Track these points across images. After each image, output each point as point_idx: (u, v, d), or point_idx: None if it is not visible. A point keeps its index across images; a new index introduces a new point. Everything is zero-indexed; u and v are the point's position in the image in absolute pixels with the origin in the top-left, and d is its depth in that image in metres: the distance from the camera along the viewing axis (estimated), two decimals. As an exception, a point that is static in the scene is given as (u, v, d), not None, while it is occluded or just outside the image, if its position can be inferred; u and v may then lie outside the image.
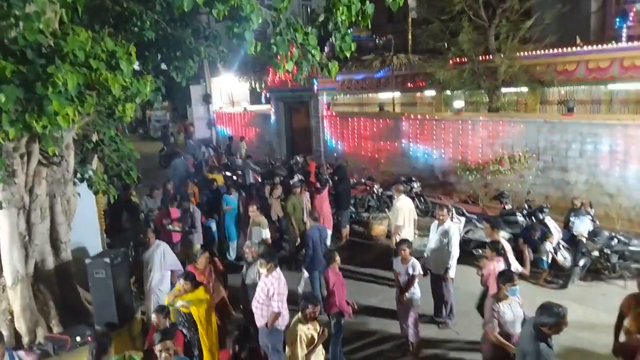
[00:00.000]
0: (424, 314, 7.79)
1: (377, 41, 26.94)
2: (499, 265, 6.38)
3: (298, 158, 17.54)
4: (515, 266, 6.80)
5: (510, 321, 5.13)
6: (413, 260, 6.99)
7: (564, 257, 9.10)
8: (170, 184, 12.34)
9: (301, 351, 5.23)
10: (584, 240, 9.08)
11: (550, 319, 4.24)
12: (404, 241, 7.29)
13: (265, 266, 6.22)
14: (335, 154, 18.95)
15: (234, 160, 18.09)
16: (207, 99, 25.64)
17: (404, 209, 9.27)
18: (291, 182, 13.98)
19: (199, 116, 26.01)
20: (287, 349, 5.37)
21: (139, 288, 8.00)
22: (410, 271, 6.94)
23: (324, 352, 5.54)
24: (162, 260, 7.55)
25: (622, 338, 5.50)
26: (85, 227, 7.77)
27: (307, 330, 5.30)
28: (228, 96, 27.85)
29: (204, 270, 7.13)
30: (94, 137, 7.07)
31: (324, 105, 20.02)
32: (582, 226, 9.37)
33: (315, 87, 19.38)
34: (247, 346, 5.96)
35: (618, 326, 5.65)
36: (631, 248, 8.89)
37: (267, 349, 6.29)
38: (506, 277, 5.28)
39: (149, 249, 7.67)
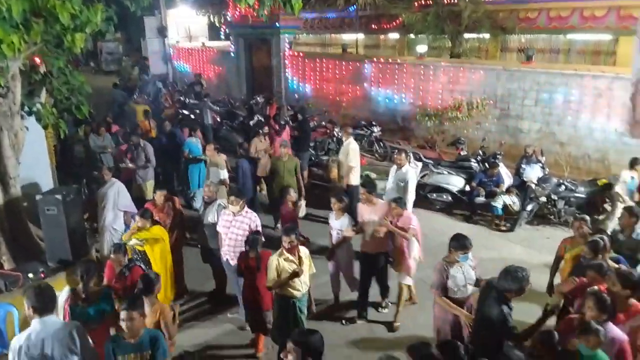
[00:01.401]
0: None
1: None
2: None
3: (258, 98, 17.22)
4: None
5: (462, 284, 4.91)
6: (346, 216, 6.59)
7: (513, 202, 9.49)
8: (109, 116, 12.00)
9: (277, 280, 5.29)
10: (533, 186, 9.47)
11: (514, 284, 4.25)
12: (343, 199, 6.72)
13: (237, 204, 6.28)
14: (296, 95, 18.70)
15: (192, 98, 17.63)
16: (162, 32, 24.49)
17: (355, 151, 9.40)
18: (251, 122, 13.83)
19: (154, 50, 24.90)
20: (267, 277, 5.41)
21: (92, 226, 7.89)
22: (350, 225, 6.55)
23: (307, 284, 5.56)
24: (116, 199, 7.43)
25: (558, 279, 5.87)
26: (34, 162, 7.52)
27: (283, 262, 5.32)
28: (185, 30, 26.69)
29: (161, 208, 7.07)
30: (42, 69, 6.68)
31: (286, 44, 19.52)
32: (532, 173, 9.75)
33: (278, 25, 18.80)
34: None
35: (554, 267, 6.02)
36: (577, 195, 9.34)
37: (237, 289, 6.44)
38: (458, 244, 4.92)
39: (104, 186, 7.52)
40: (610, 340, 3.96)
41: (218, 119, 15.37)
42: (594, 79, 11.14)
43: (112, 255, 5.57)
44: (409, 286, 6.76)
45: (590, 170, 11.19)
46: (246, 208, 6.46)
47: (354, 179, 9.40)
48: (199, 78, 20.63)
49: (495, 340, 4.32)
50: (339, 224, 6.53)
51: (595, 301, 4.03)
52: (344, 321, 6.67)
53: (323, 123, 14.32)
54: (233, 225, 6.31)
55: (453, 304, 4.87)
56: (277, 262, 5.31)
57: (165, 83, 21.08)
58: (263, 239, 5.91)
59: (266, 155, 10.00)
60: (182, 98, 17.90)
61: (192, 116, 15.49)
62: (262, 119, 12.95)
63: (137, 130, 10.95)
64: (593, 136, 11.23)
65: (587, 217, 6.05)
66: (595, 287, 4.42)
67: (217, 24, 25.86)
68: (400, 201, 6.45)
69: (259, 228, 6.35)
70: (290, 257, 5.34)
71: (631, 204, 7.68)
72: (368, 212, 6.49)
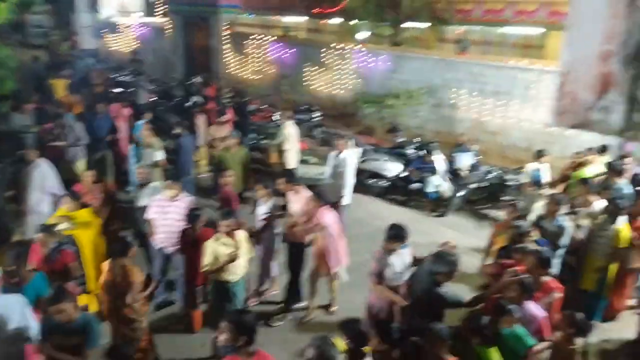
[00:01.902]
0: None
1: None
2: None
3: (196, 79, 16.74)
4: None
5: (400, 272, 4.99)
6: (274, 200, 6.54)
7: (446, 189, 9.82)
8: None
9: (213, 264, 5.22)
10: (464, 173, 9.85)
11: (444, 268, 4.40)
12: (269, 186, 6.61)
13: (174, 188, 6.09)
14: (236, 78, 18.35)
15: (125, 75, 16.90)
16: (94, 5, 23.23)
17: (292, 135, 9.41)
18: (186, 104, 13.43)
19: (85, 24, 23.61)
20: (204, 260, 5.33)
21: (18, 207, 7.46)
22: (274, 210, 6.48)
23: (245, 268, 5.52)
24: (42, 180, 7.04)
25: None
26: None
27: (220, 246, 5.23)
28: (119, 5, 25.44)
29: (91, 190, 6.76)
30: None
31: (225, 24, 19.06)
32: (464, 161, 10.14)
33: (217, 3, 18.31)
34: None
35: (487, 250, 6.34)
36: (505, 182, 9.82)
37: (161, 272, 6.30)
38: (395, 235, 4.95)
39: (29, 166, 7.10)
40: (531, 318, 4.24)
41: (153, 99, 14.83)
42: (523, 71, 11.67)
43: (38, 237, 5.29)
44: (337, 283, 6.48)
45: (518, 159, 11.75)
46: (183, 192, 6.30)
47: (290, 163, 9.45)
48: (135, 55, 19.77)
49: (426, 320, 4.48)
50: (263, 209, 6.40)
51: (517, 284, 4.28)
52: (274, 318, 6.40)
53: (263, 107, 14.16)
54: (169, 211, 6.14)
55: (390, 291, 4.94)
56: (214, 247, 5.23)
57: (96, 59, 20.03)
58: (204, 217, 5.82)
59: (221, 146, 9.50)
60: (114, 75, 17.10)
61: (125, 95, 14.84)
62: (200, 100, 12.62)
63: (60, 106, 10.38)
64: (521, 126, 11.81)
65: (518, 203, 6.41)
66: (516, 269, 4.71)
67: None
68: (319, 195, 6.20)
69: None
70: (228, 241, 5.28)
71: (535, 193, 8.27)
72: (293, 201, 6.45)
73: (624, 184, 7.21)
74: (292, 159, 9.47)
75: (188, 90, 15.18)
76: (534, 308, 4.35)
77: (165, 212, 6.15)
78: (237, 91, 14.08)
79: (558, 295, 4.73)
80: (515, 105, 11.85)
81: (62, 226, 5.91)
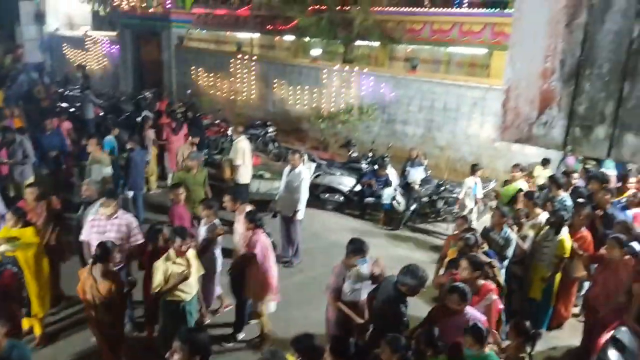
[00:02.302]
0: (271, 254, 8.09)
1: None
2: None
3: (147, 93, 16.44)
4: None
5: (357, 287, 4.95)
6: (216, 221, 6.28)
7: (399, 202, 10.01)
8: None
9: (158, 280, 5.01)
10: (416, 187, 10.08)
11: (413, 281, 4.40)
12: (211, 206, 6.41)
13: (110, 206, 5.85)
14: (188, 92, 18.14)
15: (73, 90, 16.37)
16: (39, 18, 22.48)
17: (245, 150, 9.37)
18: (136, 119, 13.13)
19: (30, 37, 22.79)
20: (153, 279, 5.10)
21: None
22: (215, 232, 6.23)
23: (198, 288, 5.38)
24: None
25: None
26: None
27: (172, 266, 5.04)
28: (66, 17, 24.72)
29: (34, 207, 6.45)
30: None
31: (178, 38, 18.86)
32: (416, 175, 10.38)
33: (169, 18, 18.09)
34: None
35: (440, 263, 6.48)
36: (455, 195, 10.09)
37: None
38: (356, 249, 4.90)
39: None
40: (474, 320, 4.37)
41: (101, 113, 14.45)
42: (470, 89, 12.13)
43: None
44: (265, 316, 6.06)
45: (466, 172, 12.06)
46: (120, 210, 6.06)
47: (243, 178, 9.38)
48: (83, 70, 19.23)
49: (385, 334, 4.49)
50: (204, 231, 6.17)
51: (455, 292, 4.39)
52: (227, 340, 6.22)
53: (217, 121, 14.05)
54: (108, 230, 5.83)
55: (347, 307, 4.89)
56: (165, 267, 5.06)
57: (41, 73, 19.33)
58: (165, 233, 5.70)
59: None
60: (60, 90, 16.54)
61: (72, 109, 14.39)
62: (151, 115, 12.38)
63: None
64: (469, 141, 12.22)
65: (468, 216, 6.61)
66: (454, 278, 4.86)
67: (103, 13, 24.27)
68: (252, 216, 5.88)
69: (137, 230, 5.99)
70: (179, 261, 5.15)
71: (472, 207, 8.61)
72: (239, 220, 6.30)
73: (565, 197, 7.57)
74: (245, 175, 9.41)
75: (138, 104, 14.87)
76: (475, 314, 4.48)
77: (102, 231, 5.83)
78: (189, 105, 13.91)
79: (495, 296, 4.87)
80: (463, 121, 12.27)
81: (2, 248, 5.62)
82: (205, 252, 6.05)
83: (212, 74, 17.92)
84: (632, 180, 8.41)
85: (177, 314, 5.18)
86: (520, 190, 8.02)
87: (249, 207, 6.50)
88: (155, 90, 17.06)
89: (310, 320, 6.29)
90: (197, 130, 11.54)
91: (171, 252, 5.13)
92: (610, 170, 9.52)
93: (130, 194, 9.04)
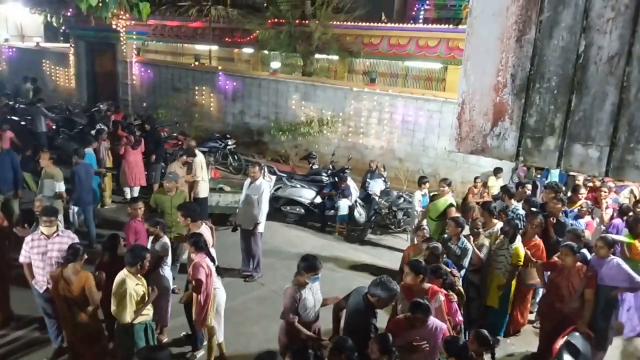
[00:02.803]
0: (231, 268, 7.98)
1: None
2: None
3: (101, 105, 16.02)
4: None
5: (311, 307, 4.86)
6: (165, 239, 6.09)
7: (360, 214, 10.08)
8: None
9: (130, 307, 4.80)
10: (377, 198, 10.18)
11: (384, 293, 4.37)
12: (158, 222, 6.16)
13: (51, 224, 5.58)
14: (144, 105, 17.80)
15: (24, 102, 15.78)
16: (-13, 28, 21.67)
17: (202, 164, 9.25)
18: (90, 132, 12.78)
19: (-24, 47, 21.93)
20: (113, 307, 4.86)
21: None
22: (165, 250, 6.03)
23: (151, 308, 5.19)
24: None
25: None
26: None
27: (136, 287, 4.86)
28: (16, 28, 23.90)
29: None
30: None
31: (134, 50, 18.52)
32: (376, 186, 10.49)
33: (124, 29, 17.77)
34: None
35: (400, 274, 6.52)
36: (412, 206, 10.24)
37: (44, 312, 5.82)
38: (309, 265, 4.78)
39: None
40: (436, 330, 4.43)
41: (54, 127, 13.98)
42: (427, 102, 12.41)
43: None
44: (215, 340, 5.86)
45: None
46: (61, 227, 5.81)
47: (202, 192, 9.24)
48: (34, 82, 18.60)
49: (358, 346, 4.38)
50: (155, 248, 5.95)
51: (420, 310, 4.44)
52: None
53: (174, 134, 13.82)
54: (50, 249, 5.57)
55: (304, 328, 4.76)
56: (132, 290, 4.80)
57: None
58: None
59: (186, 186, 8.80)
60: (10, 102, 15.91)
61: (23, 122, 13.85)
62: (105, 128, 12.07)
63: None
64: (427, 153, 12.47)
65: (426, 227, 6.71)
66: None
67: (55, 24, 23.56)
68: (195, 239, 5.60)
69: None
70: (140, 280, 4.97)
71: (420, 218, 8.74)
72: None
73: (518, 206, 7.81)
74: (201, 189, 9.24)
75: (92, 117, 14.48)
76: (436, 321, 4.55)
77: (44, 251, 5.58)
78: (146, 118, 13.65)
79: (442, 297, 4.96)
80: (421, 133, 12.52)
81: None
82: (151, 272, 5.73)
83: (169, 86, 17.66)
84: (583, 191, 8.75)
85: (139, 334, 4.98)
86: (451, 205, 7.98)
87: (203, 225, 6.36)
88: (110, 102, 16.66)
89: (271, 335, 6.21)
90: (154, 143, 11.35)
91: (128, 271, 4.89)
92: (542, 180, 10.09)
93: (75, 209, 8.80)
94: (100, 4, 5.59)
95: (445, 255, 5.93)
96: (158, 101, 17.70)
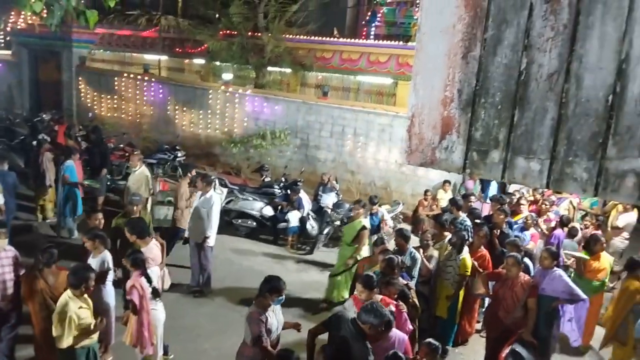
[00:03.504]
0: (179, 283, 7.76)
1: (144, -2, 25.17)
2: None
3: (45, 115, 15.38)
4: None
5: (275, 330, 4.72)
6: (105, 254, 5.78)
7: (312, 227, 10.08)
8: None
9: (68, 332, 4.49)
10: (329, 211, 10.22)
11: (376, 320, 4.26)
12: (97, 235, 5.84)
13: (4, 237, 5.34)
14: (90, 115, 17.23)
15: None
16: None
17: (145, 179, 8.98)
18: (34, 142, 12.25)
19: None
20: (53, 329, 4.57)
21: None
22: (105, 266, 5.73)
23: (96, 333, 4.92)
24: None
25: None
26: None
27: (78, 310, 4.55)
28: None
29: None
30: None
31: (80, 58, 17.94)
32: (328, 199, 10.53)
33: (70, 37, 17.21)
34: None
35: (352, 287, 6.56)
36: (378, 209, 10.34)
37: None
38: (273, 287, 4.60)
39: None
40: (398, 341, 4.46)
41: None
42: (378, 116, 12.63)
43: None
44: None
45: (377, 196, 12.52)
46: (6, 242, 5.52)
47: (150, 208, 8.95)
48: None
49: None
50: (94, 264, 5.62)
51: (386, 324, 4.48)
52: None
53: (121, 145, 13.43)
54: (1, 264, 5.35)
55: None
56: (73, 314, 4.52)
57: None
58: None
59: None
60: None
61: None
62: (48, 138, 11.58)
63: None
64: (378, 166, 12.66)
65: (384, 239, 6.77)
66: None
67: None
68: (133, 257, 5.35)
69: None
70: (82, 303, 4.67)
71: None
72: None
73: (465, 217, 8.04)
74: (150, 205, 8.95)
75: (34, 127, 13.86)
76: (398, 333, 4.58)
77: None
78: (92, 129, 13.20)
79: (393, 309, 5.00)
80: (373, 146, 12.71)
81: None
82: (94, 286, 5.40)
83: (116, 96, 17.19)
84: (524, 202, 9.11)
85: (81, 359, 4.74)
86: (364, 227, 7.57)
87: (153, 241, 6.15)
88: (54, 112, 16.03)
89: (222, 352, 6.11)
90: (100, 155, 10.97)
91: (73, 294, 4.59)
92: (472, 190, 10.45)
93: None
94: (45, 11, 5.39)
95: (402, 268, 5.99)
96: (104, 111, 17.18)
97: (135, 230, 6.01)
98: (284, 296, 4.68)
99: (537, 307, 5.81)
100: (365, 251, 7.59)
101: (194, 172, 9.06)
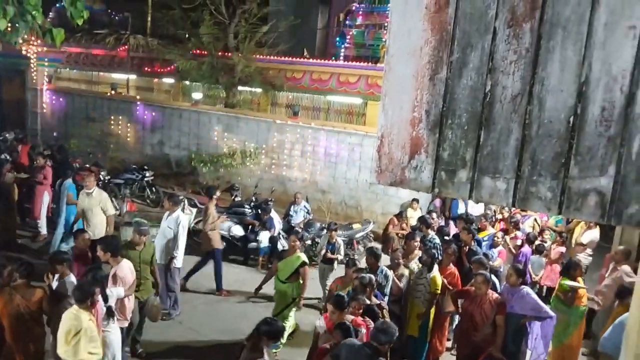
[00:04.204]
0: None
1: (112, 17, 24.93)
2: None
3: (7, 135, 14.93)
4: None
5: None
6: (71, 277, 5.53)
7: (283, 246, 9.99)
8: None
9: (85, 343, 4.43)
10: (300, 230, 10.16)
11: (388, 338, 4.37)
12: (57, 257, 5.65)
13: None
14: (55, 134, 16.84)
15: None
16: None
17: (101, 201, 8.52)
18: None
19: None
20: (63, 348, 4.47)
21: None
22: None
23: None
24: None
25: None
26: None
27: (89, 322, 4.54)
28: None
29: None
30: None
31: (45, 77, 17.58)
32: (299, 218, 10.50)
33: (35, 55, 16.87)
34: None
35: (325, 306, 6.50)
36: (337, 238, 10.33)
37: None
38: (273, 333, 4.41)
39: None
40: None
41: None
42: (348, 135, 12.73)
43: None
44: None
45: (347, 215, 12.56)
46: None
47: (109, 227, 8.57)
48: None
49: None
50: (55, 286, 5.44)
51: (339, 329, 4.48)
52: None
53: (87, 165, 13.12)
54: None
55: None
56: (87, 325, 4.48)
57: None
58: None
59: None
60: None
61: None
62: (10, 158, 11.24)
63: None
64: (348, 185, 12.73)
65: (356, 260, 6.77)
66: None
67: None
68: (92, 275, 5.16)
69: None
70: (92, 318, 4.61)
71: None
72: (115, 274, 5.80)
73: (434, 235, 8.13)
74: (100, 228, 8.41)
75: (-5, 147, 13.44)
76: None
77: None
78: (58, 148, 12.88)
79: (364, 330, 5.01)
80: (343, 165, 12.78)
81: None
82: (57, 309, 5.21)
83: (82, 115, 16.86)
84: (486, 220, 9.31)
85: None
86: (304, 263, 6.90)
87: (124, 261, 6.01)
88: (17, 131, 15.59)
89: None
90: (65, 174, 10.68)
91: (79, 307, 4.55)
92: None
93: None
94: (9, 28, 5.29)
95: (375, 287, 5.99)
96: (70, 131, 16.84)
97: (109, 248, 5.89)
98: (280, 343, 4.55)
99: (505, 324, 5.88)
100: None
101: (218, 193, 9.04)
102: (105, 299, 5.19)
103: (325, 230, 10.27)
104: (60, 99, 17.43)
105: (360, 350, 4.33)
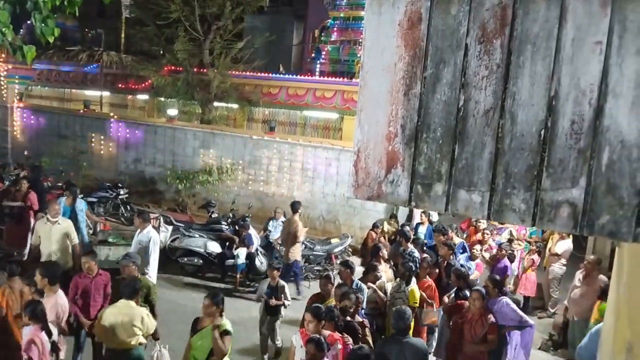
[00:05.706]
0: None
1: (85, 33, 24.69)
2: None
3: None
4: None
5: None
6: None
7: (261, 262, 9.92)
8: None
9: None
10: (278, 246, 10.11)
11: (402, 322, 5.05)
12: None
13: None
14: (26, 153, 16.47)
15: None
16: None
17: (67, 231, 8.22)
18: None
19: None
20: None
21: None
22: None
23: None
24: None
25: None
26: None
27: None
28: None
29: None
30: None
31: (15, 95, 17.25)
32: (277, 233, 10.43)
33: (5, 72, 16.55)
34: None
35: (302, 323, 6.44)
36: (315, 252, 10.31)
37: None
38: None
39: None
40: None
41: None
42: (325, 150, 12.78)
43: None
44: None
45: (325, 230, 12.54)
46: None
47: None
48: None
49: None
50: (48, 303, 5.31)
51: (312, 343, 4.48)
52: None
53: (59, 184, 12.85)
54: None
55: None
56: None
57: None
58: None
59: None
60: None
61: None
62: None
63: None
64: (326, 200, 12.73)
65: (331, 275, 6.74)
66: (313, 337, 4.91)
67: None
68: (32, 308, 4.82)
69: None
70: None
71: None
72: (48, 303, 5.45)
73: (413, 248, 8.17)
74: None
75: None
76: None
77: None
78: (32, 168, 12.58)
79: (340, 346, 5.00)
80: (320, 180, 12.80)
81: None
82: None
83: (54, 133, 16.56)
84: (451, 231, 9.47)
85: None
86: (226, 332, 5.58)
87: (60, 290, 5.60)
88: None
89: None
90: (38, 194, 10.44)
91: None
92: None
93: None
94: (-24, 45, 5.17)
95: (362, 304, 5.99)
96: (42, 149, 16.50)
97: (48, 274, 5.46)
98: None
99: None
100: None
101: (301, 209, 9.43)
102: (50, 334, 4.92)
103: (302, 246, 10.26)
104: (32, 117, 17.10)
105: (394, 340, 4.99)
